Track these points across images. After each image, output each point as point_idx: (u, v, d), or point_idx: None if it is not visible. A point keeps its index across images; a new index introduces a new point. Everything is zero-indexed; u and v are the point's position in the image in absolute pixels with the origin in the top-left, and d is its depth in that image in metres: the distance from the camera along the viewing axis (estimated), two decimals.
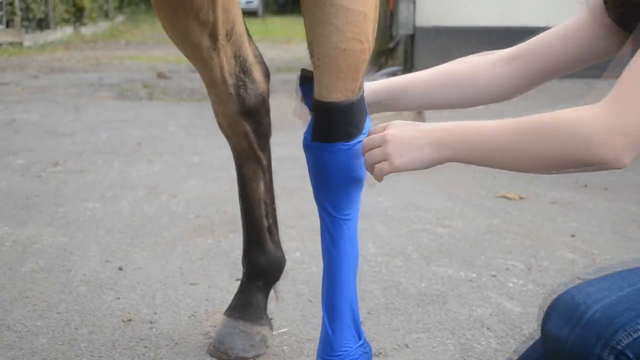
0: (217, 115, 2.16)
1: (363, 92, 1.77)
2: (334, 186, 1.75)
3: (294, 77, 1.79)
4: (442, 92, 1.67)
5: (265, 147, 2.21)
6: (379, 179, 1.38)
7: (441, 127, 1.32)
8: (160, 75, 9.25)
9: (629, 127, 1.12)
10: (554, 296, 2.70)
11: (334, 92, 1.70)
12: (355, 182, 1.76)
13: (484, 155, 1.27)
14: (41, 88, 8.15)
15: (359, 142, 1.74)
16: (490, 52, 1.65)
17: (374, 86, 1.75)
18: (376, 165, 1.36)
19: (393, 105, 1.74)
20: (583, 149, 1.14)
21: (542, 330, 1.17)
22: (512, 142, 1.23)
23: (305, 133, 1.77)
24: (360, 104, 1.73)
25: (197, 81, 8.31)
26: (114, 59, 11.58)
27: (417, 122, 1.36)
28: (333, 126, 1.72)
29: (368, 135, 1.43)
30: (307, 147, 1.77)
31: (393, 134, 1.34)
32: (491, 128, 1.27)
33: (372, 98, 1.74)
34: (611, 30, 1.45)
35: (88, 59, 11.67)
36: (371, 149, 1.38)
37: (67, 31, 16.30)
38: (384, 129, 1.37)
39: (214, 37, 1.98)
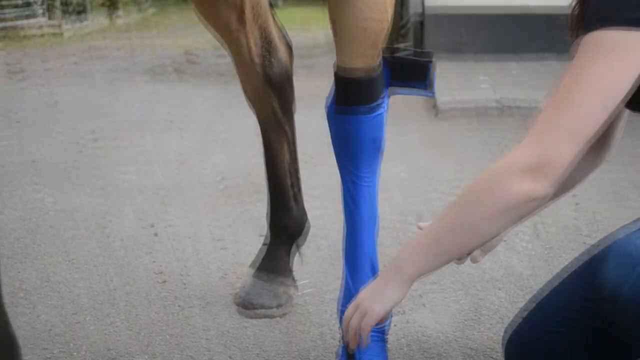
0: (245, 91, 2.12)
1: (381, 67, 1.74)
2: (356, 153, 1.72)
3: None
4: None
5: (290, 119, 2.17)
6: (368, 340, 1.29)
7: (392, 266, 1.25)
8: (189, 60, 9.12)
9: (541, 163, 1.06)
10: (560, 259, 2.60)
11: (355, 66, 1.68)
12: (376, 149, 1.74)
13: (440, 256, 1.20)
14: (81, 72, 8.05)
15: (379, 114, 1.71)
16: None
17: None
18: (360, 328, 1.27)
19: None
20: (511, 196, 1.08)
21: (596, 280, 1.14)
22: (456, 228, 1.16)
23: (329, 106, 1.75)
24: (380, 78, 1.70)
25: (223, 65, 8.19)
26: (146, 46, 11.43)
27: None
28: (355, 98, 1.69)
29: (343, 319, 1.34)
30: (332, 118, 1.75)
31: (360, 297, 1.28)
32: (433, 229, 1.21)
33: None
34: None
35: (123, 46, 11.55)
36: (349, 320, 1.29)
37: (103, 22, 16.19)
38: (356, 306, 1.29)
39: (241, 19, 1.96)
